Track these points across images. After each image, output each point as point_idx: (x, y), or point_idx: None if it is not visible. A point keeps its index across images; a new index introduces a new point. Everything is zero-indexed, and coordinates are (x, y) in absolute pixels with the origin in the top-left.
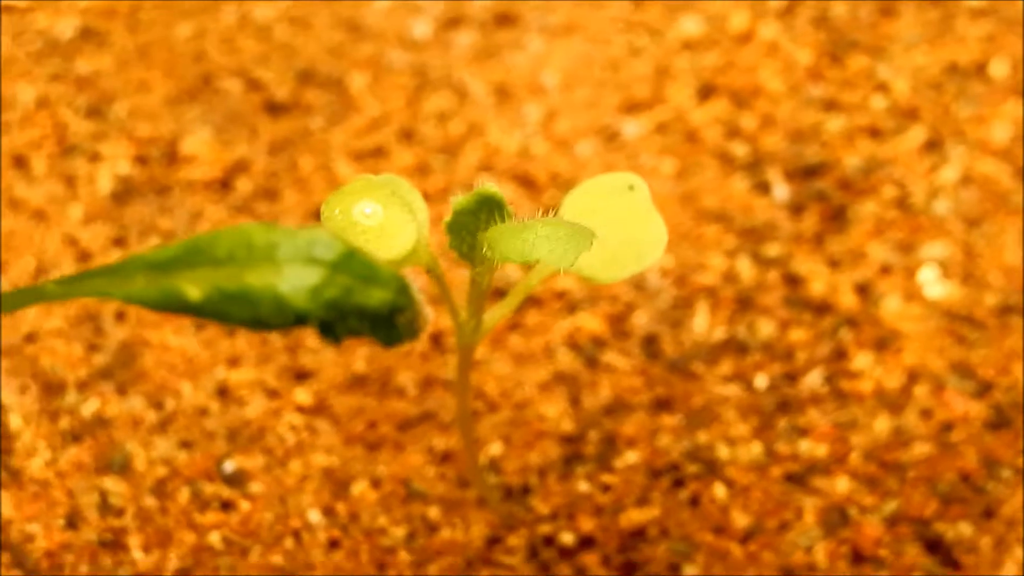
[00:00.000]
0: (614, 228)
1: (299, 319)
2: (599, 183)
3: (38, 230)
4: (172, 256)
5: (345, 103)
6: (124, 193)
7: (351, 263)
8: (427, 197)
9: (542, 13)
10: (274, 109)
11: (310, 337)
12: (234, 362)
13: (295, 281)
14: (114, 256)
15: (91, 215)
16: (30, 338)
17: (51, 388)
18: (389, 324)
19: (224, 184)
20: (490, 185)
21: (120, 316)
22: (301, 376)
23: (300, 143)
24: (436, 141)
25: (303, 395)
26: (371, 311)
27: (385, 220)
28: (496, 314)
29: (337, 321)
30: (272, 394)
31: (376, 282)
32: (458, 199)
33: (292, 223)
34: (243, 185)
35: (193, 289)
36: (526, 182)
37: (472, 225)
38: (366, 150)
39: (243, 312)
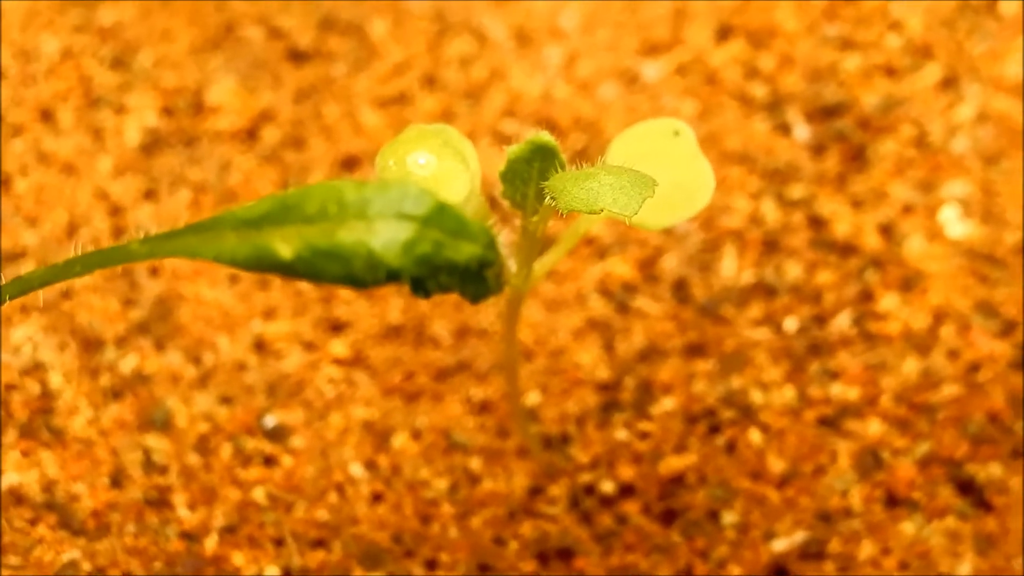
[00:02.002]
0: (662, 173)
1: (391, 275)
2: (645, 128)
3: (68, 183)
4: (262, 213)
5: (367, 49)
6: (152, 145)
7: (442, 218)
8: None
9: None
10: (297, 57)
11: (343, 288)
12: (269, 315)
13: (387, 237)
14: (146, 209)
15: (120, 168)
16: (66, 294)
17: (89, 345)
18: (478, 278)
19: (251, 134)
20: (544, 133)
21: (154, 271)
22: (336, 328)
23: (324, 91)
24: (459, 86)
25: (339, 347)
26: (461, 266)
27: (439, 169)
28: (546, 263)
29: (428, 277)
30: (309, 346)
31: (466, 236)
32: (513, 148)
33: (321, 172)
34: (270, 134)
35: (284, 247)
36: (549, 126)
37: (526, 174)
38: (390, 96)
39: (335, 269)
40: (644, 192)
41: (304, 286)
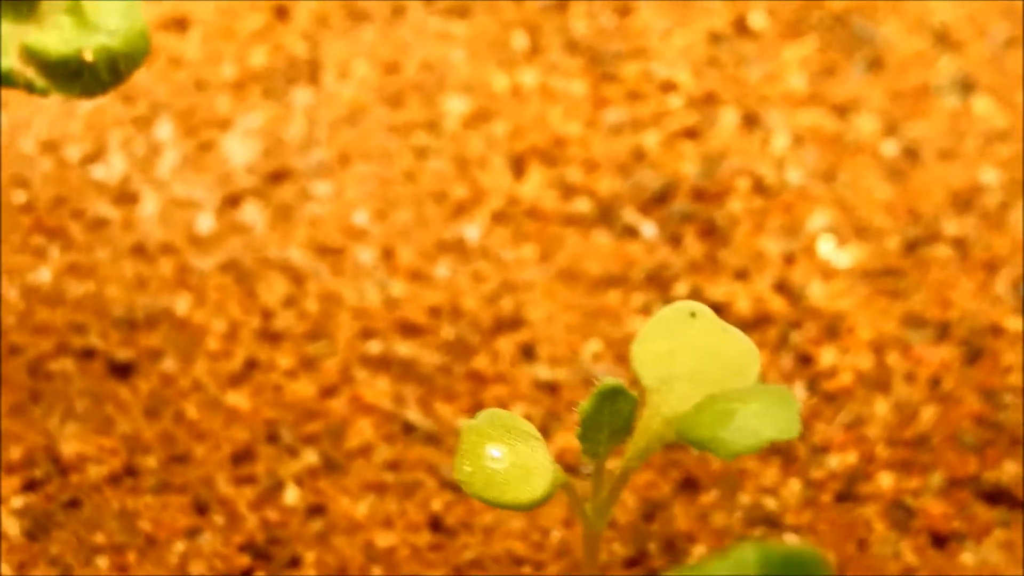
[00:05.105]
0: (705, 363)
1: None
2: (659, 324)
3: None
4: None
5: (187, 332)
6: (36, 528)
7: None
8: (328, 390)
9: (308, 152)
10: (122, 371)
11: None
12: None
13: None
14: None
15: (18, 565)
16: None
17: None
18: None
19: (129, 470)
20: (609, 379)
21: None
22: None
23: (171, 393)
24: (300, 329)
25: None
26: None
27: (515, 458)
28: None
29: None
30: None
31: None
32: (582, 406)
33: (222, 475)
34: (147, 462)
35: None
36: (413, 331)
37: (599, 423)
38: (238, 372)
39: None
40: (791, 400)
41: None
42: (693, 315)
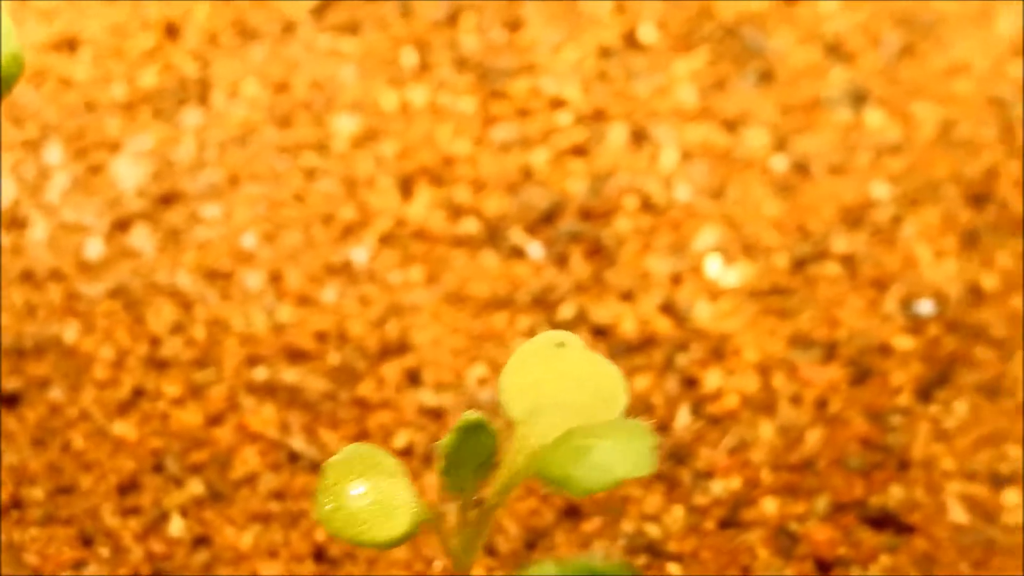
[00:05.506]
0: (570, 394)
1: None
2: (526, 354)
3: None
4: None
5: (75, 360)
6: None
7: None
8: (215, 418)
9: (197, 174)
10: (9, 401)
11: None
12: None
13: None
14: None
15: None
16: None
17: None
18: None
19: (15, 502)
20: (470, 412)
21: None
22: None
23: (58, 423)
24: (188, 357)
25: None
26: None
27: (376, 495)
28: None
29: None
30: None
31: None
32: (443, 442)
33: (109, 507)
34: (34, 494)
35: None
36: (300, 356)
37: (461, 459)
38: (125, 401)
39: None
40: (648, 436)
41: None
42: (561, 345)
